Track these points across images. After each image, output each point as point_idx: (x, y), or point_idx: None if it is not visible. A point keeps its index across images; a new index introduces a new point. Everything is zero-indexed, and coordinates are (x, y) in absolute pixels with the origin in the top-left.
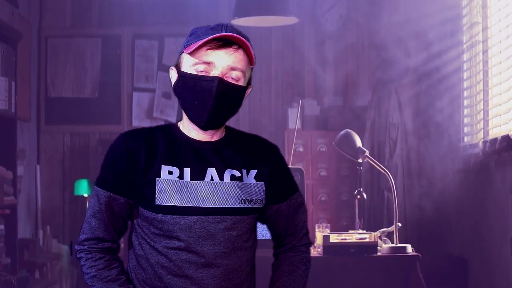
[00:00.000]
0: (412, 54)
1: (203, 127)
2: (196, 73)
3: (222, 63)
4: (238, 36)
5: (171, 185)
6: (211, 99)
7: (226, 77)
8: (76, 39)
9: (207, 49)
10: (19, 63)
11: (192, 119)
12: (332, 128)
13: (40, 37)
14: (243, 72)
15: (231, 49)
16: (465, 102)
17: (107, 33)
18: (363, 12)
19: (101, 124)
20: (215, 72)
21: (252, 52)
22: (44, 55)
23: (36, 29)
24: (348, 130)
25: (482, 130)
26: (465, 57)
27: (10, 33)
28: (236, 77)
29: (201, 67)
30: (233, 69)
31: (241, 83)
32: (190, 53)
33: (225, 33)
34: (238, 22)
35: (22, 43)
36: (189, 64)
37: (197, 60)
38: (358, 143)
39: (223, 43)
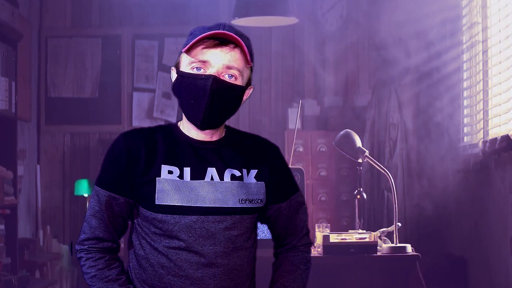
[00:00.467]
0: (412, 54)
1: (200, 126)
2: (192, 72)
3: (218, 61)
4: (232, 34)
5: (171, 185)
6: (206, 97)
7: (222, 76)
8: (76, 39)
9: (203, 48)
10: (19, 63)
11: (189, 118)
12: (332, 128)
13: (41, 37)
14: (239, 71)
15: (227, 48)
16: (465, 102)
17: (107, 33)
18: (363, 12)
19: (101, 124)
20: (211, 71)
21: (247, 51)
22: (44, 55)
23: (36, 29)
24: (348, 130)
25: (482, 130)
26: (465, 57)
27: (10, 33)
28: (232, 75)
29: (197, 66)
30: (229, 67)
31: (238, 82)
32: (188, 53)
33: (218, 31)
34: (238, 22)
35: (22, 43)
36: (186, 63)
37: (193, 59)
38: (358, 143)
39: (220, 42)
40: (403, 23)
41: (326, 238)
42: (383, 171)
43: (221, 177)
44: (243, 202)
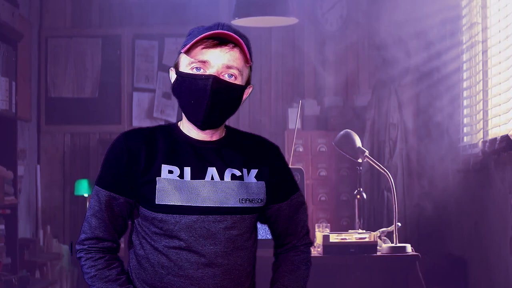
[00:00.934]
0: (412, 54)
1: (200, 126)
2: (191, 72)
3: (218, 61)
4: (231, 34)
5: (172, 184)
6: (206, 97)
7: (222, 75)
8: (76, 39)
9: (202, 48)
10: (19, 63)
11: (190, 118)
12: (332, 128)
13: (41, 37)
14: (239, 70)
15: (227, 47)
16: (465, 102)
17: (108, 33)
18: (363, 12)
19: (102, 124)
20: (211, 71)
21: (246, 50)
22: (44, 55)
23: (36, 30)
24: (348, 130)
25: (482, 130)
26: (465, 57)
27: (10, 33)
28: (232, 75)
29: (197, 66)
30: (229, 67)
31: (238, 81)
32: (187, 53)
33: (218, 31)
34: (238, 22)
35: (22, 44)
36: (186, 64)
37: (192, 59)
38: (358, 143)
39: (219, 42)
40: (403, 23)
41: (326, 238)
42: (383, 171)
43: (222, 177)
44: (244, 201)
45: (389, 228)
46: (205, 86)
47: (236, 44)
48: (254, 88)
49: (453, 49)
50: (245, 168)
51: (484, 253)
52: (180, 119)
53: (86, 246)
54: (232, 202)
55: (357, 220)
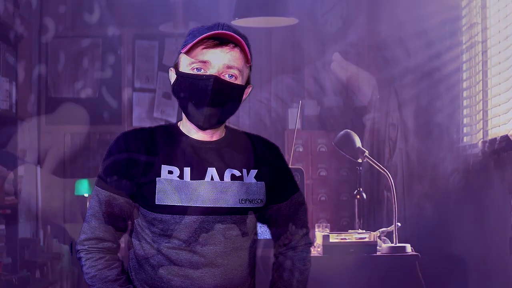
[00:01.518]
0: (412, 54)
1: (201, 126)
2: (192, 72)
3: (218, 61)
4: (232, 34)
5: (171, 185)
6: (207, 97)
7: (222, 75)
8: (76, 39)
9: (203, 48)
10: (19, 63)
11: (190, 118)
12: (332, 128)
13: (41, 37)
14: (240, 70)
15: (227, 47)
16: (465, 102)
17: (107, 33)
18: (363, 12)
19: (101, 124)
20: (211, 71)
21: (247, 50)
22: (44, 55)
23: (36, 29)
24: (348, 130)
25: (482, 130)
26: (465, 57)
27: (10, 33)
28: (232, 75)
29: (198, 66)
30: (229, 67)
31: (239, 81)
32: (187, 53)
33: (218, 31)
34: (239, 22)
35: (23, 44)
36: (186, 64)
37: (193, 60)
38: (358, 143)
39: (219, 42)
40: (403, 23)
41: (326, 238)
42: (383, 171)
43: (221, 177)
44: (243, 202)
45: (389, 228)
46: (206, 86)
47: (236, 44)
48: (254, 88)
49: (453, 49)
50: (245, 168)
51: (484, 253)
52: (180, 119)
53: (86, 246)
54: (232, 202)
55: (357, 220)
